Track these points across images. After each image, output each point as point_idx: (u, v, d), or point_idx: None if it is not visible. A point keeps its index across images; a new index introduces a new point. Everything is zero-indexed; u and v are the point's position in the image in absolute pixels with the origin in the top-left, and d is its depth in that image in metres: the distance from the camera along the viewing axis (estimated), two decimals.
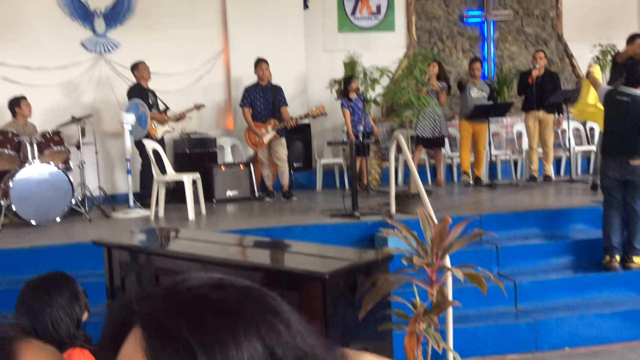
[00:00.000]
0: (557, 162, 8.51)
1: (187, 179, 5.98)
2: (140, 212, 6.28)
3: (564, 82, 9.30)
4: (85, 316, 2.15)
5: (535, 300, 4.46)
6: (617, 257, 4.65)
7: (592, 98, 5.49)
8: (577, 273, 4.74)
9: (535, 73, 7.51)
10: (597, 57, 8.03)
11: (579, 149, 8.44)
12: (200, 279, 0.62)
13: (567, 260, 4.88)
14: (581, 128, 8.85)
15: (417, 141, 7.72)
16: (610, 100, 4.76)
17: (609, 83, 5.98)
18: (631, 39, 6.40)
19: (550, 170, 7.73)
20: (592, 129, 8.75)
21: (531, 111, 7.60)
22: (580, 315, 4.31)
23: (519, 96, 7.98)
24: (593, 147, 8.48)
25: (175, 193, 6.89)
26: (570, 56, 9.32)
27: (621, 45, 6.95)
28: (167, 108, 7.25)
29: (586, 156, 8.63)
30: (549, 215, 5.38)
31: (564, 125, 7.84)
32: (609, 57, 7.41)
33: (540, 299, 4.47)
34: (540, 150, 7.69)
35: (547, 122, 7.57)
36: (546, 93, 7.44)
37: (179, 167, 7.09)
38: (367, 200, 6.50)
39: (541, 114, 7.54)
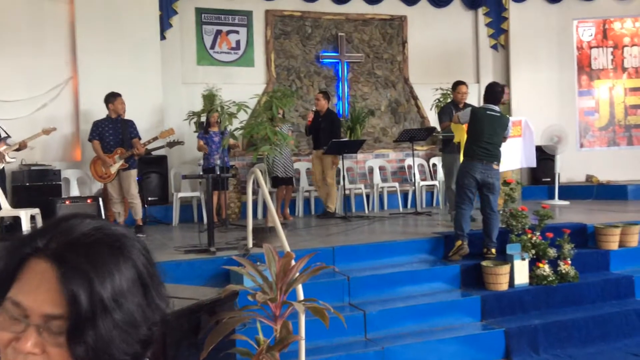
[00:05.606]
0: (405, 196, 9.06)
1: (25, 214, 5.51)
2: None
3: (410, 122, 10.02)
4: None
5: (383, 328, 4.64)
6: (465, 243, 5.47)
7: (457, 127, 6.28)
8: (421, 300, 5.02)
9: (310, 116, 7.97)
10: (439, 100, 8.75)
11: (423, 183, 9.07)
12: (88, 224, 0.83)
13: (412, 289, 5.17)
14: (425, 164, 9.53)
15: (274, 182, 7.77)
16: (479, 115, 5.63)
17: (439, 115, 7.24)
18: (454, 86, 7.18)
19: (331, 206, 7.89)
20: (434, 165, 9.46)
21: (314, 150, 8.08)
22: (424, 342, 4.55)
23: (307, 136, 8.35)
24: (436, 182, 9.18)
25: (13, 230, 6.30)
26: (415, 98, 10.07)
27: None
28: (7, 136, 6.65)
29: (430, 190, 9.29)
30: (398, 246, 5.68)
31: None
32: (449, 99, 8.10)
33: (387, 327, 4.66)
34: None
35: (326, 162, 7.89)
36: (323, 133, 7.80)
37: (17, 202, 6.52)
38: (226, 235, 6.42)
39: (320, 153, 7.90)
